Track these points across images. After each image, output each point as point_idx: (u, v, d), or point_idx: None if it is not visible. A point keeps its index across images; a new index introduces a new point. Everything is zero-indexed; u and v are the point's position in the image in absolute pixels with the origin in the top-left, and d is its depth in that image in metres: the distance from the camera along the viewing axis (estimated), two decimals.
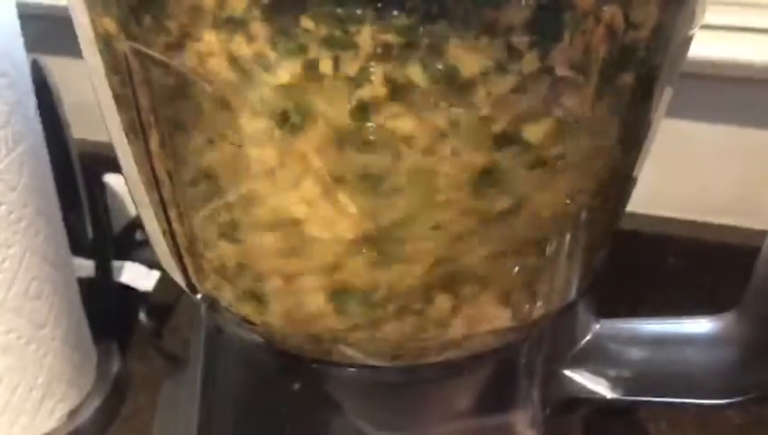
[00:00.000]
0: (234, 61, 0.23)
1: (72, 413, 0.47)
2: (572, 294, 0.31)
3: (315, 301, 0.27)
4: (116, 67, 0.26)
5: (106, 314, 0.52)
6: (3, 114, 0.39)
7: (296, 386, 0.32)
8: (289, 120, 0.23)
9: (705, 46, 0.50)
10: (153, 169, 0.28)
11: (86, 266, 0.54)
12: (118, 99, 0.27)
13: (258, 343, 0.32)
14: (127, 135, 0.28)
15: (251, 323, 0.30)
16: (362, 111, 0.22)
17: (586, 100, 0.24)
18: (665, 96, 0.28)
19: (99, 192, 0.57)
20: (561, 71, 0.23)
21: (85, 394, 0.48)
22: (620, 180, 0.29)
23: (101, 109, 0.29)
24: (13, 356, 0.42)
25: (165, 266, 0.32)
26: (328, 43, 0.21)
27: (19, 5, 0.40)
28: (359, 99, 0.22)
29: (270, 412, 0.34)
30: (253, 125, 0.24)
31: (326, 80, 0.22)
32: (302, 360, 0.31)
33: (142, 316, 0.55)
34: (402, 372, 0.32)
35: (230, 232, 0.27)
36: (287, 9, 0.21)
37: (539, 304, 0.29)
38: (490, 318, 0.28)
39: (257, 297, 0.28)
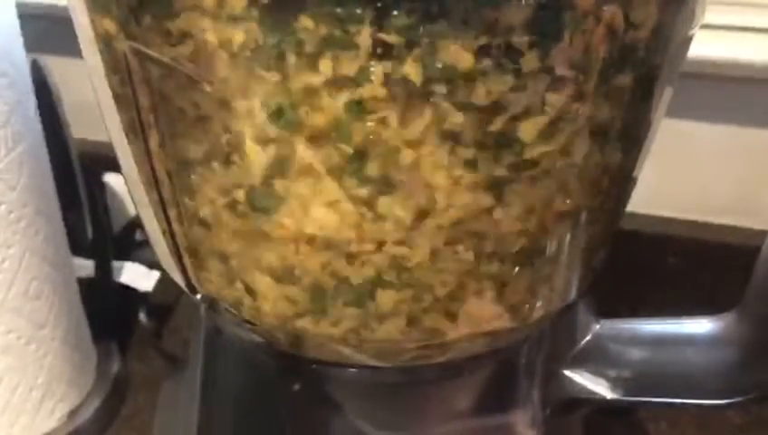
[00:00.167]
0: (233, 60, 0.23)
1: (72, 413, 0.47)
2: (572, 294, 0.31)
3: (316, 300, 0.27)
4: (116, 67, 0.26)
5: (106, 314, 0.52)
6: (2, 114, 0.39)
7: (296, 386, 0.32)
8: (289, 119, 0.23)
9: (705, 46, 0.50)
10: (153, 168, 0.28)
11: (86, 266, 0.54)
12: (117, 98, 0.27)
13: (258, 343, 0.32)
14: (127, 135, 0.28)
15: (251, 323, 0.30)
16: (362, 109, 0.22)
17: (586, 99, 0.24)
18: (665, 96, 0.28)
19: (98, 192, 0.57)
20: (561, 70, 0.23)
21: (85, 394, 0.48)
22: (620, 180, 0.29)
23: (101, 108, 0.29)
24: (13, 356, 0.42)
25: (165, 266, 0.32)
26: (327, 42, 0.21)
27: (19, 5, 0.40)
28: (358, 98, 0.22)
29: (270, 413, 0.34)
30: (252, 124, 0.24)
31: (326, 79, 0.22)
32: (302, 360, 0.31)
33: (142, 316, 0.55)
34: (402, 373, 0.32)
35: (230, 232, 0.27)
36: (287, 8, 0.21)
37: (539, 304, 0.29)
38: (490, 318, 0.28)
39: (255, 297, 0.28)
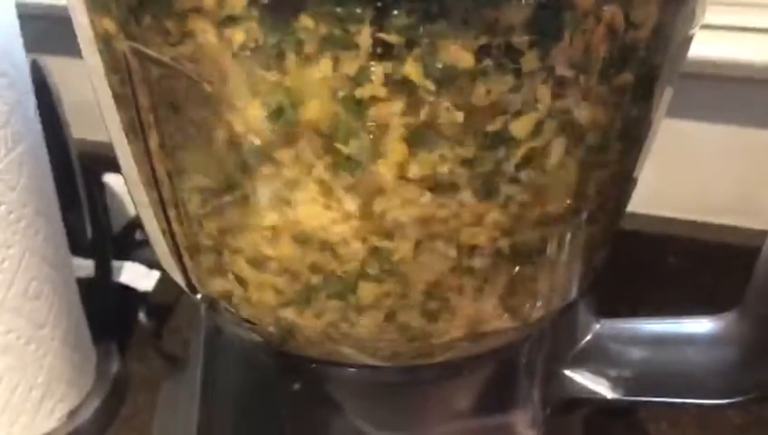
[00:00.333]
0: (233, 60, 0.22)
1: (72, 413, 0.47)
2: (573, 293, 0.31)
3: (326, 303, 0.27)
4: (115, 67, 0.26)
5: (105, 314, 0.52)
6: (2, 114, 0.39)
7: (296, 386, 0.32)
8: (288, 118, 0.23)
9: (705, 46, 0.50)
10: (153, 168, 0.28)
11: (85, 266, 0.53)
12: (117, 98, 0.27)
13: (258, 343, 0.32)
14: (126, 135, 0.28)
15: (251, 323, 0.30)
16: (361, 108, 0.22)
17: (586, 99, 0.24)
18: (665, 96, 0.28)
19: (98, 192, 0.57)
20: (562, 70, 0.23)
21: (85, 394, 0.48)
22: (621, 180, 0.29)
23: (101, 108, 0.29)
24: (12, 356, 0.42)
25: (165, 266, 0.32)
26: (328, 42, 0.21)
27: (19, 5, 0.40)
28: (358, 97, 0.22)
29: (269, 413, 0.34)
30: (251, 124, 0.24)
31: (325, 79, 0.22)
32: (302, 360, 0.31)
33: (142, 316, 0.55)
34: (402, 373, 0.32)
35: (229, 232, 0.27)
36: (287, 8, 0.21)
37: (539, 304, 0.29)
38: (490, 318, 0.28)
39: (245, 287, 0.28)
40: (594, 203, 0.28)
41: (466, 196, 0.24)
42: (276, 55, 0.22)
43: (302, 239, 0.25)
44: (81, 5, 0.26)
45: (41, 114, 0.43)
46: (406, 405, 0.32)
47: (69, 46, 0.30)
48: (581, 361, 0.34)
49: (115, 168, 0.31)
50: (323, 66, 0.22)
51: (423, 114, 0.22)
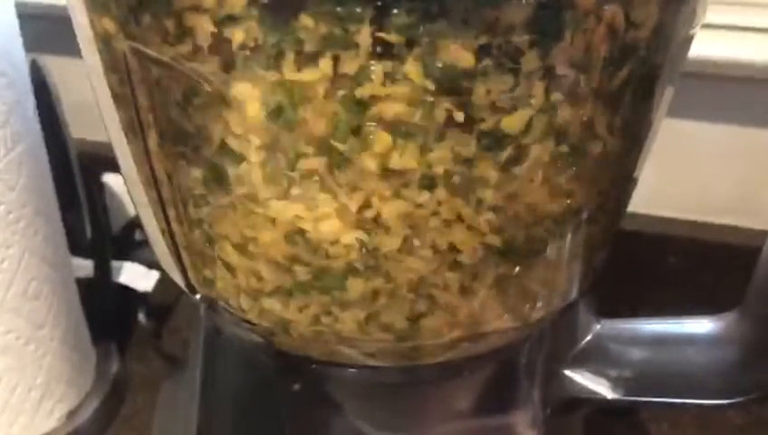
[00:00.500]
0: (233, 60, 0.22)
1: (71, 414, 0.47)
2: (573, 294, 0.31)
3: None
4: (115, 66, 0.26)
5: (105, 314, 0.52)
6: (1, 114, 0.39)
7: (296, 386, 0.32)
8: (288, 118, 0.23)
9: (705, 46, 0.50)
10: (152, 168, 0.27)
11: (85, 267, 0.53)
12: (117, 98, 0.27)
13: (257, 343, 0.32)
14: (126, 134, 0.28)
15: (250, 323, 0.30)
16: (361, 108, 0.22)
17: (586, 99, 0.24)
18: (666, 96, 0.28)
19: (98, 192, 0.57)
20: (562, 70, 0.23)
21: (84, 395, 0.48)
22: (621, 180, 0.29)
23: (100, 108, 0.29)
24: (12, 356, 0.42)
25: (164, 266, 0.32)
26: (327, 41, 0.21)
27: (18, 5, 0.40)
28: (358, 96, 0.22)
29: (269, 413, 0.34)
30: (251, 123, 0.24)
31: (325, 78, 0.22)
32: (302, 360, 0.31)
33: (141, 317, 0.55)
34: (402, 373, 0.32)
35: (229, 231, 0.27)
36: (286, 7, 0.21)
37: (540, 304, 0.29)
38: (491, 319, 0.28)
39: (255, 297, 0.28)
40: (594, 203, 0.28)
41: (467, 196, 0.24)
42: (276, 55, 0.22)
43: (294, 234, 0.25)
44: (81, 5, 0.25)
45: (40, 114, 0.43)
46: (406, 405, 0.32)
47: (68, 46, 0.30)
48: (582, 361, 0.34)
49: (114, 168, 0.31)
50: (323, 66, 0.22)
51: (420, 112, 0.22)
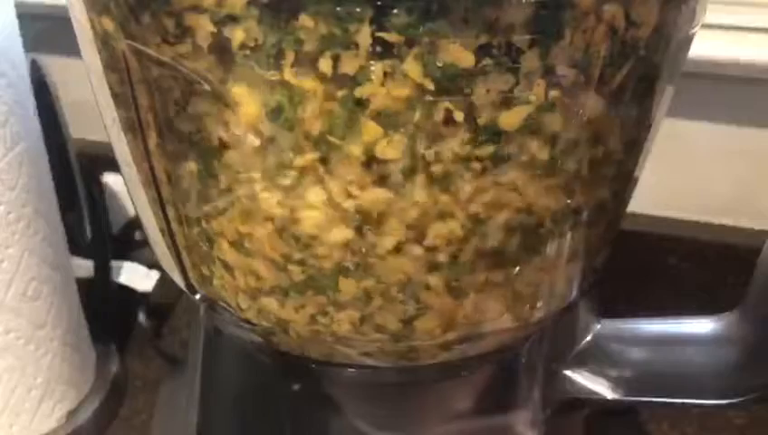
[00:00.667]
0: (233, 60, 0.22)
1: (71, 414, 0.47)
2: (573, 294, 0.31)
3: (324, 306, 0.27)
4: (114, 66, 0.26)
5: (105, 314, 0.52)
6: (1, 114, 0.39)
7: (295, 387, 0.32)
8: (287, 117, 0.23)
9: (705, 46, 0.50)
10: (152, 168, 0.27)
11: (85, 267, 0.53)
12: (116, 98, 0.27)
13: (257, 343, 0.32)
14: (125, 134, 0.28)
15: (250, 323, 0.30)
16: (361, 107, 0.22)
17: (586, 99, 0.24)
18: (666, 95, 0.28)
19: (97, 192, 0.57)
20: (562, 69, 0.23)
21: (84, 395, 0.48)
22: (621, 180, 0.29)
23: (100, 108, 0.29)
24: (12, 356, 0.42)
25: (164, 266, 0.32)
26: (327, 41, 0.21)
27: (18, 5, 0.40)
28: (358, 96, 0.22)
29: (269, 413, 0.34)
30: (251, 123, 0.24)
31: (325, 78, 0.22)
32: (301, 360, 0.31)
33: (141, 317, 0.55)
34: (402, 373, 0.32)
35: (225, 228, 0.27)
36: (286, 7, 0.21)
37: (540, 304, 0.29)
38: (491, 319, 0.28)
39: (256, 297, 0.28)
40: (594, 203, 0.28)
41: (468, 196, 0.24)
42: (276, 55, 0.22)
43: (287, 229, 0.25)
44: (81, 5, 0.25)
45: (40, 114, 0.43)
46: (406, 406, 0.32)
47: (68, 46, 0.30)
48: (582, 361, 0.34)
49: (114, 167, 0.31)
50: (323, 65, 0.22)
51: (418, 112, 0.22)
